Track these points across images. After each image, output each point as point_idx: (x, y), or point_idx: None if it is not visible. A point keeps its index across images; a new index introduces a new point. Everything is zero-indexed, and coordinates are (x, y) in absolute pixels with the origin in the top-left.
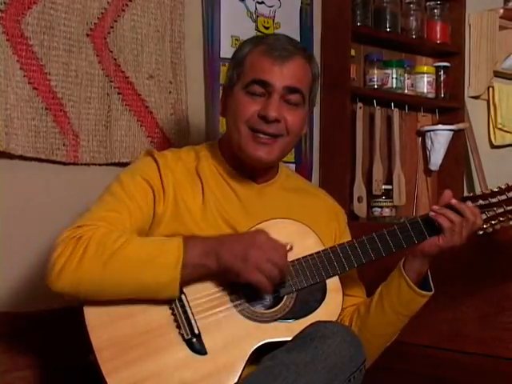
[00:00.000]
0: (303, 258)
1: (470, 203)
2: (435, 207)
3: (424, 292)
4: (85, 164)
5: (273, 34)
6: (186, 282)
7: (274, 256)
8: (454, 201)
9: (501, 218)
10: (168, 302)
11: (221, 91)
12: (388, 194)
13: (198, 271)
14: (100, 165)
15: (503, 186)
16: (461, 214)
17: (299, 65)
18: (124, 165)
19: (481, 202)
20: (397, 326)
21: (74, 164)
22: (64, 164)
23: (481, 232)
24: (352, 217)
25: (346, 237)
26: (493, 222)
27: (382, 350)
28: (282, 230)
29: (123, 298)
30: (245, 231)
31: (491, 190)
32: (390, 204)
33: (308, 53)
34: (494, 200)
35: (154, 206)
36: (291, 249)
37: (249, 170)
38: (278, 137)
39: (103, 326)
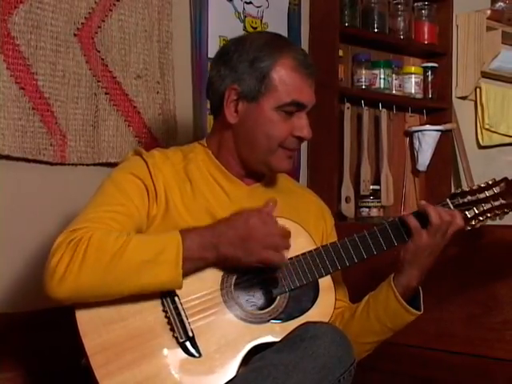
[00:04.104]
0: (295, 257)
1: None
2: (423, 202)
3: (411, 308)
4: (72, 164)
5: (280, 36)
6: (186, 275)
7: (269, 229)
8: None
9: (488, 214)
10: (161, 304)
11: None
12: (376, 194)
13: (198, 264)
14: (87, 165)
15: (490, 182)
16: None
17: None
18: (111, 165)
19: (469, 197)
20: (379, 336)
21: (62, 164)
22: (51, 164)
23: (469, 228)
24: (340, 217)
25: (333, 237)
26: (480, 218)
27: (361, 358)
28: None
29: (126, 296)
30: (235, 214)
31: (478, 186)
32: (378, 204)
33: None
34: (482, 196)
35: (148, 206)
36: (275, 204)
37: (242, 172)
38: None
39: (95, 330)
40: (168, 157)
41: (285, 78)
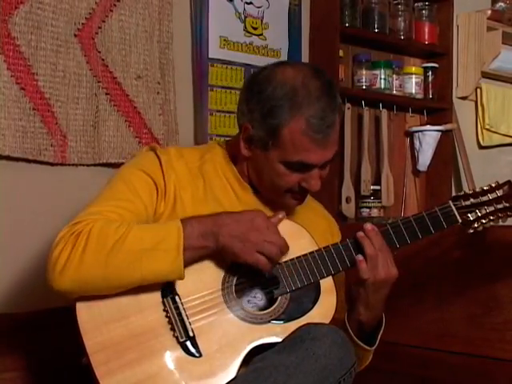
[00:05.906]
0: (297, 258)
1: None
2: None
3: (362, 344)
4: (72, 164)
5: (308, 86)
6: (187, 264)
7: (271, 236)
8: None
9: (491, 217)
10: (162, 303)
11: (209, 92)
12: (376, 194)
13: (199, 253)
14: (88, 165)
15: (493, 185)
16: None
17: (337, 130)
18: (112, 165)
19: (471, 200)
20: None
21: (62, 164)
22: (52, 164)
23: (471, 230)
24: (340, 217)
25: None
26: (483, 221)
27: None
28: None
29: (129, 288)
30: (242, 210)
31: (481, 189)
32: (379, 204)
33: (341, 107)
34: (485, 198)
35: (156, 204)
36: (284, 217)
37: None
38: None
39: (96, 329)
40: (182, 155)
41: (294, 140)
